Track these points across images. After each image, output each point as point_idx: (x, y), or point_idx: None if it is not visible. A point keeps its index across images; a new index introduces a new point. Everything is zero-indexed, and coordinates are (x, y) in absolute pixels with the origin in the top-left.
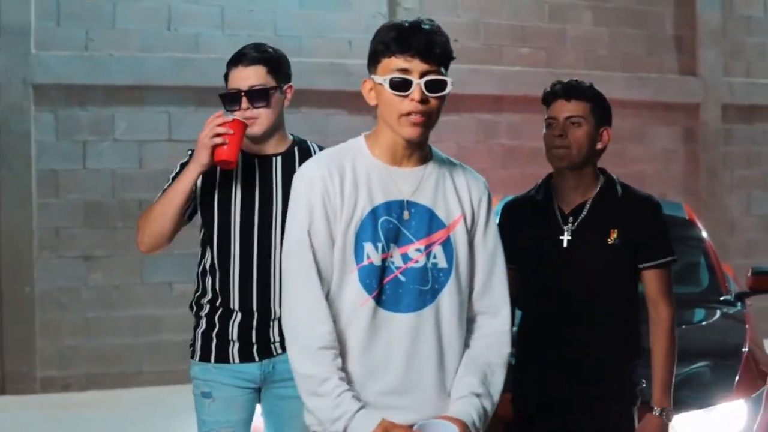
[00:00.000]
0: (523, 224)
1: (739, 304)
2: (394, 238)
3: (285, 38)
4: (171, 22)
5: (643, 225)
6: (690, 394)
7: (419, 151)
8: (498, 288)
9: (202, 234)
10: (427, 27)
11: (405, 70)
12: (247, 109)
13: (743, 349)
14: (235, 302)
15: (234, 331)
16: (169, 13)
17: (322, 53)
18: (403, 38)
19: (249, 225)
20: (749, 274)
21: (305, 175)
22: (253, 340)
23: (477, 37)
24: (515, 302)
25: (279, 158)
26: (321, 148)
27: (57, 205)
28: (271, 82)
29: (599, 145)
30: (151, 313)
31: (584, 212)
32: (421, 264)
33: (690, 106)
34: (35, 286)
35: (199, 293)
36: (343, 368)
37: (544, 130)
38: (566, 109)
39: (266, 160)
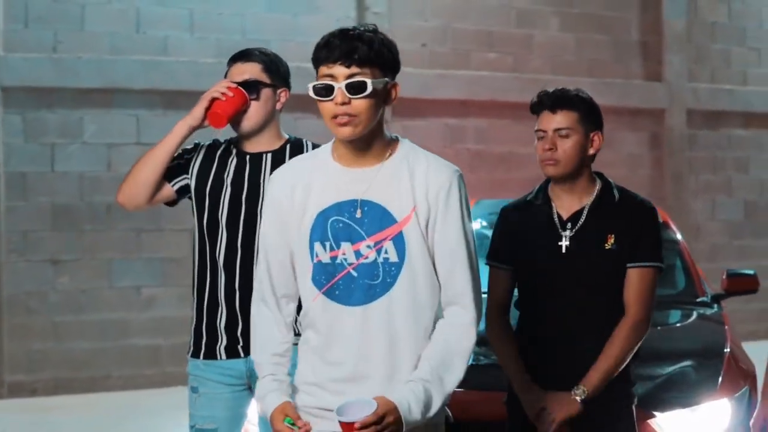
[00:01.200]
0: (521, 228)
1: (715, 305)
2: (346, 236)
3: (253, 41)
4: (140, 25)
5: (638, 228)
6: (675, 393)
7: (372, 151)
8: (460, 279)
9: (196, 226)
10: (353, 33)
11: (330, 76)
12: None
13: (725, 350)
14: (221, 293)
15: (222, 324)
16: (137, 16)
17: (290, 56)
18: (326, 47)
19: (235, 218)
20: (724, 277)
21: (270, 183)
22: (239, 335)
23: (444, 42)
24: (516, 303)
25: (269, 155)
26: (315, 145)
27: (25, 208)
28: (264, 80)
29: (591, 151)
30: (120, 317)
31: (582, 218)
32: (371, 260)
33: (656, 111)
34: (2, 290)
35: (192, 286)
36: (306, 358)
37: (536, 141)
38: (554, 121)
39: (257, 157)
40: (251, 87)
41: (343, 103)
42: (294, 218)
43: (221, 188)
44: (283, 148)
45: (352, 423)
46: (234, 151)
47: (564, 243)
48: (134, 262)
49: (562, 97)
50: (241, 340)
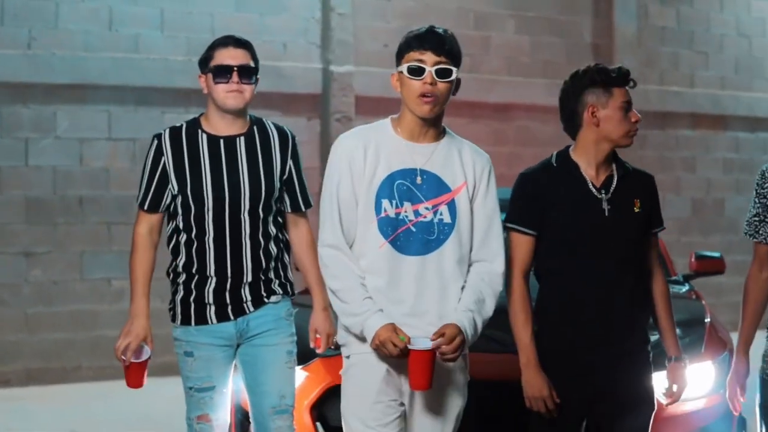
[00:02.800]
0: (549, 191)
1: (686, 284)
2: (408, 197)
3: None
4: (112, 23)
5: (651, 196)
6: (663, 357)
7: (433, 130)
8: (494, 242)
9: (173, 212)
10: (439, 31)
11: (420, 61)
12: (237, 82)
13: (706, 320)
14: (210, 269)
15: (210, 296)
16: (110, 14)
17: (258, 55)
18: (420, 37)
19: (221, 200)
20: (693, 259)
21: (339, 145)
22: (227, 301)
23: None
24: (534, 271)
25: (242, 139)
26: (275, 125)
27: None
28: (254, 66)
29: None
30: (91, 309)
31: (614, 184)
32: (428, 219)
33: None
34: None
35: (174, 263)
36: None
37: (620, 113)
38: (628, 95)
39: (230, 141)
40: (248, 73)
41: (431, 83)
42: (366, 176)
43: (202, 179)
44: (251, 132)
45: (429, 350)
46: (204, 136)
47: (605, 206)
48: (105, 255)
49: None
50: (229, 303)
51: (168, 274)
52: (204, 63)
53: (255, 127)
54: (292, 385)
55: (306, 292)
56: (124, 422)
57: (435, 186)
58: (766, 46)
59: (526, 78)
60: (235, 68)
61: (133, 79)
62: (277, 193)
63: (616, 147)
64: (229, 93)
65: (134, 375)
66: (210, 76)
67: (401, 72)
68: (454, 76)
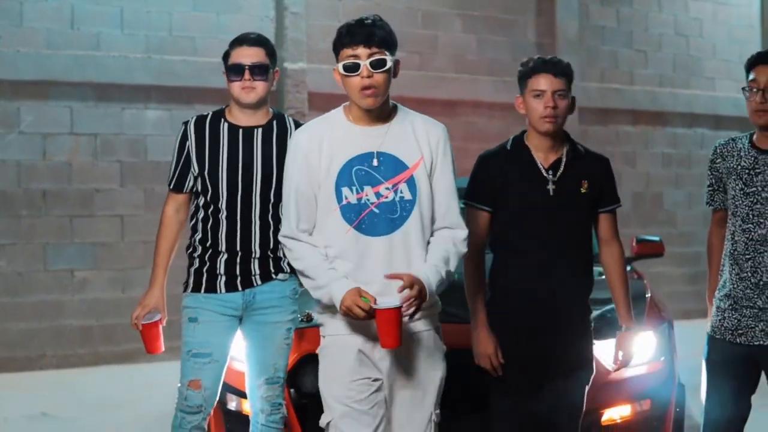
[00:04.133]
0: (503, 173)
1: (628, 266)
2: (367, 181)
3: (180, 38)
4: (74, 22)
5: (603, 177)
6: (609, 327)
7: (381, 114)
8: (455, 210)
9: (196, 193)
10: (368, 22)
11: (354, 56)
12: (249, 80)
13: (647, 295)
14: (222, 245)
15: (221, 267)
16: (72, 13)
17: (214, 53)
18: (351, 32)
19: (234, 185)
20: (633, 243)
21: (294, 140)
22: (237, 272)
23: None
24: (489, 245)
25: (260, 130)
26: (296, 121)
27: None
28: (268, 63)
29: (572, 112)
30: (54, 299)
31: (562, 166)
32: (390, 198)
33: None
34: None
35: (192, 239)
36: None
37: (533, 101)
38: (555, 83)
39: (248, 131)
40: (260, 70)
41: (368, 77)
42: (322, 167)
43: (219, 164)
44: (270, 124)
45: (394, 308)
46: (225, 125)
47: (550, 187)
48: (68, 247)
49: (561, 64)
50: (239, 275)
51: (187, 249)
52: (223, 61)
53: (275, 121)
54: (286, 359)
55: None
56: (92, 406)
57: (392, 166)
58: (703, 45)
59: (472, 75)
60: (247, 66)
61: (95, 75)
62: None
63: (538, 132)
64: (242, 89)
65: (147, 339)
66: (227, 73)
67: (339, 69)
68: (389, 65)
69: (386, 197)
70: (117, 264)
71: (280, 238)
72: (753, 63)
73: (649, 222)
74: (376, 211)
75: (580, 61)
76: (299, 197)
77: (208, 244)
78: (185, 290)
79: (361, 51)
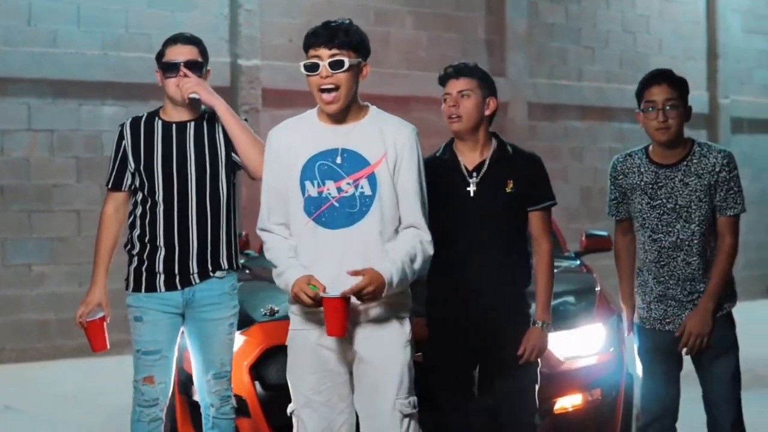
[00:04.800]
0: (433, 180)
1: (578, 260)
2: (330, 175)
3: (136, 35)
4: (31, 19)
5: (531, 176)
6: (561, 319)
7: (349, 114)
8: (418, 211)
9: (133, 191)
10: (334, 24)
11: (316, 56)
12: (183, 76)
13: (596, 288)
14: (160, 240)
15: (160, 265)
16: (29, 10)
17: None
18: (315, 34)
19: (169, 177)
20: (583, 238)
21: (269, 138)
22: (176, 272)
23: None
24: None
25: (192, 124)
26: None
27: None
28: (200, 60)
29: (487, 112)
30: (12, 294)
31: (485, 168)
32: (350, 193)
33: (499, 104)
34: None
35: (130, 235)
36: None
37: (443, 105)
38: (457, 84)
39: (181, 125)
40: (194, 66)
41: (327, 77)
42: (290, 163)
43: (153, 157)
44: (202, 118)
45: (340, 298)
46: (159, 122)
47: (472, 188)
48: (26, 242)
49: (464, 67)
50: (177, 274)
51: (125, 246)
52: (157, 59)
53: (206, 116)
54: (230, 353)
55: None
56: (54, 398)
57: (355, 162)
58: (649, 41)
59: (423, 72)
60: (182, 63)
61: (52, 72)
62: (223, 173)
63: (453, 135)
64: (177, 87)
65: (92, 336)
66: (161, 71)
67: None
68: (346, 66)
69: (346, 192)
70: (74, 258)
71: (257, 231)
72: (646, 84)
73: (597, 216)
74: (336, 205)
75: (529, 57)
76: (270, 191)
77: (146, 240)
78: (127, 288)
79: (323, 52)
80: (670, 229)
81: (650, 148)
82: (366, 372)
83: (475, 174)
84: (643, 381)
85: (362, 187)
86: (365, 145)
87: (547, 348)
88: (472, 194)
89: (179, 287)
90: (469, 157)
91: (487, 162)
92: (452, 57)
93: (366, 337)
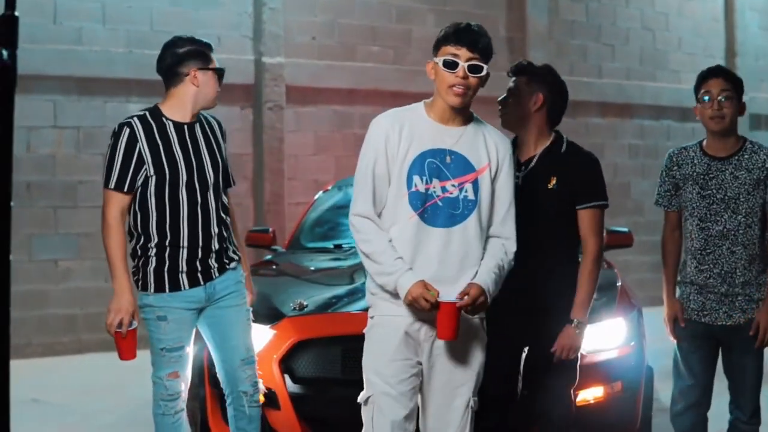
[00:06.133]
0: None
1: None
2: (437, 174)
3: (160, 33)
4: (56, 17)
5: (580, 174)
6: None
7: (461, 116)
8: (511, 222)
9: (142, 193)
10: (475, 29)
11: (455, 55)
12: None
13: (618, 284)
14: (184, 240)
15: (183, 264)
16: (54, 8)
17: None
18: (458, 33)
19: (192, 181)
20: (604, 234)
21: (377, 124)
22: (198, 268)
23: (333, 36)
24: None
25: (197, 125)
26: (204, 114)
27: None
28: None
29: (534, 107)
30: (39, 289)
31: (533, 162)
32: (454, 195)
33: None
34: None
35: (143, 240)
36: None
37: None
38: (508, 81)
39: (191, 126)
40: (223, 74)
41: (463, 77)
42: (399, 153)
43: (176, 160)
44: (199, 118)
45: (453, 302)
46: (170, 123)
47: (517, 182)
48: (52, 238)
49: (521, 66)
50: (199, 267)
51: (135, 252)
52: (199, 59)
53: (201, 115)
54: (251, 338)
55: (263, 263)
56: (80, 391)
57: (462, 165)
58: (668, 39)
59: None
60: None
61: (77, 69)
62: (225, 171)
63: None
64: (217, 93)
65: (128, 346)
66: (211, 73)
67: (437, 63)
68: (484, 72)
69: (451, 193)
70: (100, 254)
71: (350, 217)
72: (704, 77)
73: (617, 211)
74: (440, 204)
75: (549, 54)
76: (375, 178)
77: (167, 242)
78: (145, 289)
79: (463, 53)
80: (717, 218)
81: (704, 142)
82: (444, 368)
83: (523, 168)
84: (680, 368)
85: (466, 191)
86: (472, 151)
87: (579, 347)
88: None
89: (202, 282)
90: (523, 150)
91: (536, 157)
92: None
93: None
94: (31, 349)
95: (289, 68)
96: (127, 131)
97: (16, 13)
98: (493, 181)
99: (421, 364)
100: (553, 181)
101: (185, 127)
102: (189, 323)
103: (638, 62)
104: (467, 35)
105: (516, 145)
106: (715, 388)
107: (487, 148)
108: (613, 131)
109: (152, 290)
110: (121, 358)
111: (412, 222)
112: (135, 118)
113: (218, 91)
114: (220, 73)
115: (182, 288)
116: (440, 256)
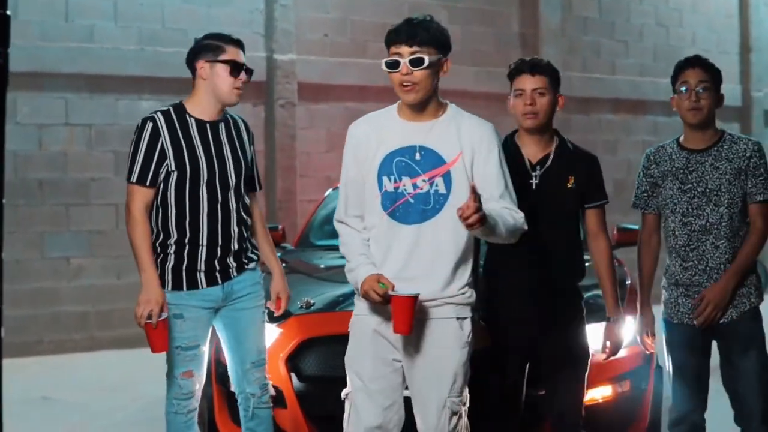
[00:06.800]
0: None
1: None
2: (407, 172)
3: (171, 30)
4: (68, 14)
5: (590, 174)
6: (591, 312)
7: (427, 110)
8: (510, 197)
9: (163, 189)
10: (414, 21)
11: (397, 54)
12: (243, 81)
13: (627, 282)
14: (203, 239)
15: (201, 263)
16: (66, 6)
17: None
18: (396, 31)
19: (213, 180)
20: (615, 231)
21: (349, 132)
22: (217, 267)
23: (344, 33)
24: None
25: (222, 124)
26: (231, 114)
27: None
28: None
29: (558, 108)
30: (51, 286)
31: (549, 162)
32: (425, 190)
33: None
34: None
35: (163, 237)
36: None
37: (512, 100)
38: (532, 81)
39: (214, 125)
40: (249, 70)
41: (407, 74)
42: (369, 157)
43: (198, 159)
44: (225, 117)
45: (408, 296)
46: (192, 120)
47: (534, 181)
48: (64, 235)
49: (539, 63)
50: (218, 266)
51: (155, 249)
52: (209, 52)
53: (227, 115)
54: (264, 340)
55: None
56: (91, 389)
57: (432, 160)
58: (682, 35)
59: (456, 66)
60: (244, 67)
61: (88, 67)
62: (249, 173)
63: (522, 129)
64: (234, 89)
65: (160, 338)
66: (220, 65)
67: (383, 66)
68: (426, 63)
69: (422, 189)
70: (111, 251)
71: (334, 223)
72: (681, 67)
73: (630, 209)
74: (412, 201)
75: (562, 51)
76: (349, 184)
77: (186, 240)
78: (162, 287)
79: (404, 49)
80: (700, 212)
81: (681, 137)
82: (418, 364)
83: (538, 167)
84: (674, 377)
85: (437, 185)
86: (443, 144)
87: (623, 340)
88: (534, 186)
89: (219, 281)
90: (533, 150)
91: (551, 156)
92: (485, 51)
93: (424, 333)
94: (42, 346)
95: (300, 65)
96: (150, 125)
97: (8, 12)
98: (472, 167)
99: (400, 361)
100: (572, 181)
101: (208, 125)
102: (205, 322)
103: (652, 58)
104: (404, 31)
105: (517, 144)
106: (711, 391)
107: (460, 137)
108: (627, 128)
109: (169, 288)
110: (153, 350)
111: (384, 221)
112: (158, 113)
113: (235, 86)
114: (232, 65)
115: (200, 286)
116: (410, 253)
